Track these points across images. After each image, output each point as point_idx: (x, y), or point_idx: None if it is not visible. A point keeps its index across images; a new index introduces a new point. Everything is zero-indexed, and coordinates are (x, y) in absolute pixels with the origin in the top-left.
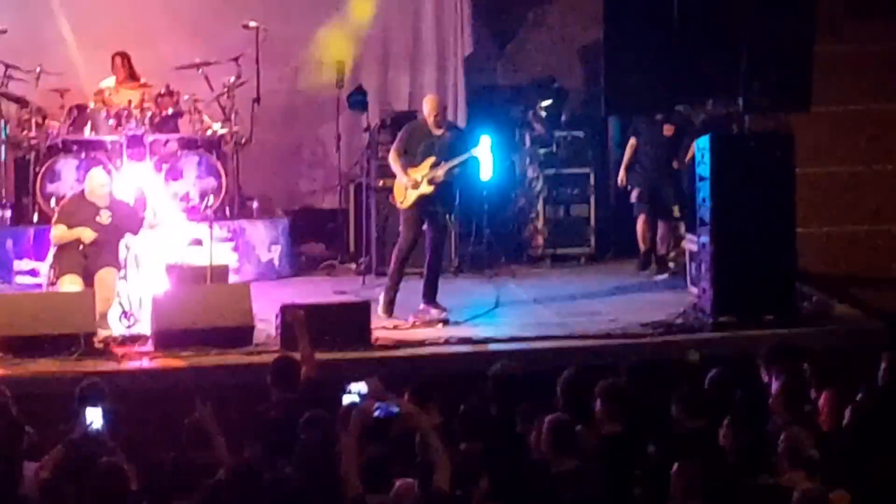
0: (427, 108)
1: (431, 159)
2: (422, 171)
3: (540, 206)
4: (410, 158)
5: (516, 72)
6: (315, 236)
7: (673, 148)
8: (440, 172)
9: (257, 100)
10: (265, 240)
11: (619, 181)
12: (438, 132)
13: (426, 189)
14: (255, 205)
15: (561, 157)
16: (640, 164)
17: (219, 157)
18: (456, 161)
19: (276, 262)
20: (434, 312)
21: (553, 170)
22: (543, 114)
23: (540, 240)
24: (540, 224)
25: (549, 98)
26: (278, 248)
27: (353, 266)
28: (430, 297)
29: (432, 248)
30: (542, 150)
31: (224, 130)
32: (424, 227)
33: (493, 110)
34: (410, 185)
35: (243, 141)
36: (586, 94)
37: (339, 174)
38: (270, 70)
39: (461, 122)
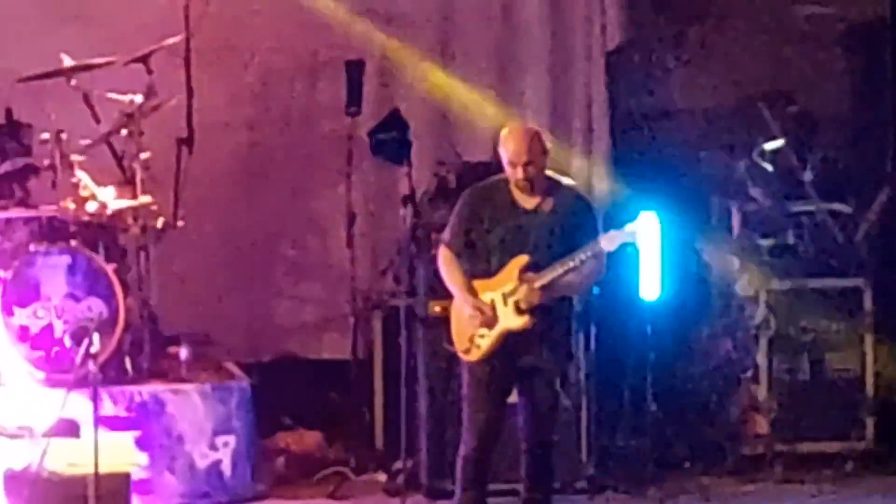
0: (509, 149)
1: (522, 260)
2: (504, 287)
3: (762, 357)
4: (480, 261)
5: (708, 84)
6: (304, 418)
7: None
8: (541, 285)
9: (188, 140)
10: (204, 425)
11: None
12: (532, 202)
13: (514, 322)
14: (184, 354)
15: (805, 255)
16: None
17: (111, 258)
18: (575, 262)
19: (227, 470)
20: None
21: (790, 281)
22: (769, 166)
23: (762, 423)
24: (762, 392)
25: (777, 135)
26: (230, 443)
27: (382, 478)
28: None
29: (533, 439)
30: (765, 241)
31: (122, 204)
32: (513, 398)
33: (665, 161)
34: (481, 316)
35: (162, 225)
36: (855, 124)
37: (353, 291)
38: (216, 81)
39: (601, 184)
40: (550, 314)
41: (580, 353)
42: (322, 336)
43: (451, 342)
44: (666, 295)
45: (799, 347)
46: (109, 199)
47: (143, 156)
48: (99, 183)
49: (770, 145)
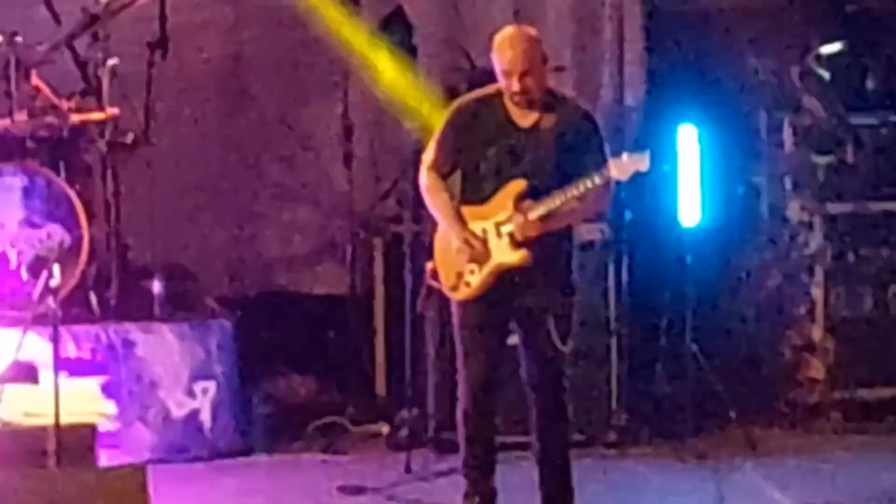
0: (504, 56)
1: (519, 185)
2: (497, 215)
3: (817, 291)
4: (469, 186)
5: None
6: (295, 362)
7: None
8: (538, 216)
9: (161, 44)
10: (181, 370)
11: None
12: (530, 119)
13: (508, 256)
14: (157, 288)
15: (867, 174)
16: None
17: (73, 179)
18: (578, 190)
19: (207, 420)
20: None
21: (849, 204)
22: (826, 73)
23: (817, 367)
24: (817, 331)
25: (837, 36)
26: (210, 390)
27: (384, 429)
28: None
29: (539, 388)
30: (822, 159)
31: (86, 117)
32: (513, 339)
33: (707, 69)
34: (471, 249)
35: (131, 141)
36: None
37: (351, 217)
38: None
39: (634, 97)
40: (549, 247)
41: (610, 288)
42: (315, 268)
43: (435, 277)
44: (708, 220)
45: (860, 280)
46: (70, 110)
47: (110, 62)
48: (59, 93)
49: (827, 49)
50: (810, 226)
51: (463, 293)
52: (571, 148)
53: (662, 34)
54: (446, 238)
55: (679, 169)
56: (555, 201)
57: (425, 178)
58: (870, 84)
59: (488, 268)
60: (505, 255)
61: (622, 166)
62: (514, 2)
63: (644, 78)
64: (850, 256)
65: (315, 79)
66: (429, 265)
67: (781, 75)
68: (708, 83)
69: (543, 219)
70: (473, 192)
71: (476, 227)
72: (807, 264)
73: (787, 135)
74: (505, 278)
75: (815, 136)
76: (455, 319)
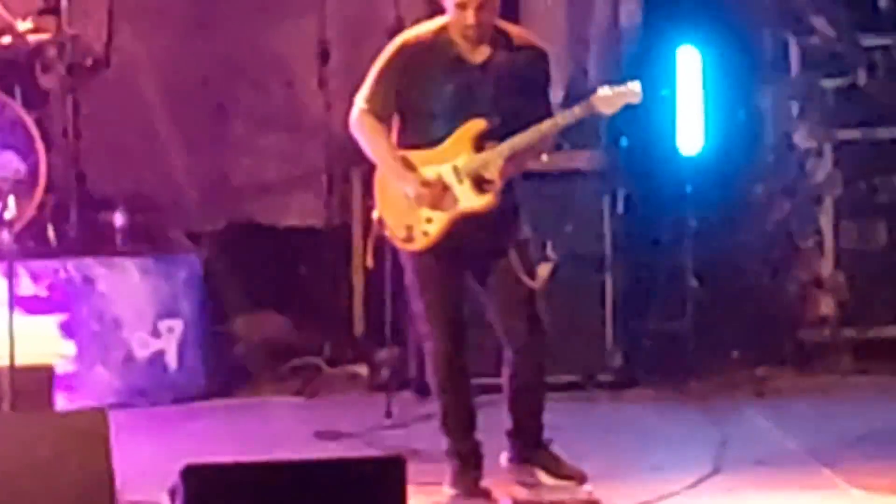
0: None
1: (478, 125)
2: (454, 158)
3: (826, 222)
4: (416, 129)
5: None
6: (267, 299)
7: None
8: (511, 154)
9: None
10: (145, 308)
11: None
12: (481, 55)
13: (474, 201)
14: (119, 220)
15: (880, 99)
16: None
17: (30, 104)
18: (556, 126)
19: (173, 361)
20: (539, 477)
21: (860, 130)
22: None
23: (827, 303)
24: (827, 265)
25: None
26: (176, 329)
27: (363, 370)
28: (524, 442)
29: (510, 335)
30: (830, 82)
31: (43, 37)
32: (469, 282)
33: None
34: (429, 195)
35: (92, 64)
36: None
37: (327, 144)
38: None
39: (630, 16)
40: (504, 186)
41: (604, 220)
42: (289, 198)
43: (381, 224)
44: (709, 147)
45: (872, 211)
46: (26, 28)
47: None
48: (13, 11)
49: None
50: (819, 153)
51: (420, 243)
52: (527, 84)
53: None
54: (391, 186)
55: (678, 94)
56: (529, 138)
57: (361, 120)
58: (882, 2)
59: (451, 214)
60: (471, 200)
61: (609, 100)
62: None
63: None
64: (862, 185)
65: None
66: (374, 215)
67: None
68: (709, 2)
69: (512, 158)
70: (421, 135)
71: (428, 172)
72: (815, 194)
73: (794, 57)
74: (460, 224)
75: (824, 58)
76: (408, 269)
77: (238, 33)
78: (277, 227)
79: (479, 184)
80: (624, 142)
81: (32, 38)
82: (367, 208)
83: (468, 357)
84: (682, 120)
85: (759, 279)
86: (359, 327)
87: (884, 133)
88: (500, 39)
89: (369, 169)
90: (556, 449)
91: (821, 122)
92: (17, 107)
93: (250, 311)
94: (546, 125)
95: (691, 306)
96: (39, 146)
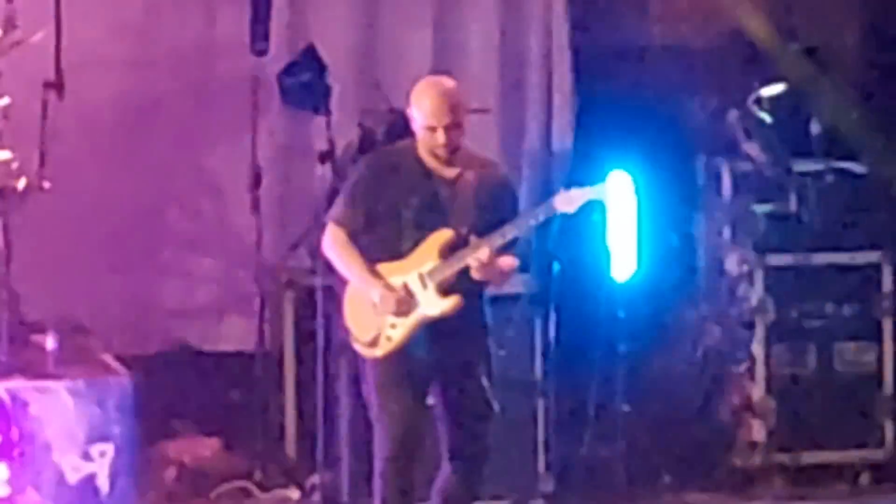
0: (427, 109)
1: (445, 234)
2: (420, 266)
3: (758, 348)
4: (385, 242)
5: (693, 16)
6: (199, 422)
7: None
8: (461, 258)
9: (56, 84)
10: (76, 431)
11: None
12: (451, 172)
13: (438, 305)
14: (51, 343)
15: (811, 225)
16: None
17: None
18: (523, 227)
19: (104, 485)
20: None
21: (792, 256)
22: (767, 117)
23: (758, 429)
24: (758, 390)
25: (776, 79)
26: (107, 453)
27: (294, 494)
28: None
29: (461, 450)
30: (762, 208)
31: None
32: (431, 400)
33: (640, 111)
34: (395, 302)
35: (24, 187)
36: (866, 66)
37: (259, 268)
38: (91, 10)
39: (562, 140)
40: (471, 296)
41: (537, 344)
42: (221, 322)
43: (350, 335)
44: (642, 273)
45: (803, 336)
46: None
47: (2, 102)
48: None
49: (768, 90)
50: (750, 278)
51: (384, 348)
52: (494, 205)
53: (593, 76)
54: (359, 294)
55: (610, 219)
56: (492, 241)
57: (333, 235)
58: (814, 129)
59: (413, 319)
60: (433, 304)
61: (569, 198)
62: (435, 41)
63: (572, 121)
64: (793, 311)
65: (222, 120)
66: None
67: (719, 118)
68: (641, 127)
69: (480, 261)
70: (389, 248)
71: (395, 280)
72: (746, 319)
73: (726, 182)
74: (426, 331)
75: (756, 183)
76: (370, 378)
77: (172, 156)
78: (209, 352)
79: (444, 290)
80: (556, 266)
81: None
82: (299, 331)
83: (417, 476)
84: (613, 245)
85: (691, 404)
86: (290, 451)
87: (816, 259)
88: (470, 161)
89: (303, 292)
90: None
91: (752, 247)
92: None
93: (182, 435)
94: (508, 228)
95: (623, 432)
96: None
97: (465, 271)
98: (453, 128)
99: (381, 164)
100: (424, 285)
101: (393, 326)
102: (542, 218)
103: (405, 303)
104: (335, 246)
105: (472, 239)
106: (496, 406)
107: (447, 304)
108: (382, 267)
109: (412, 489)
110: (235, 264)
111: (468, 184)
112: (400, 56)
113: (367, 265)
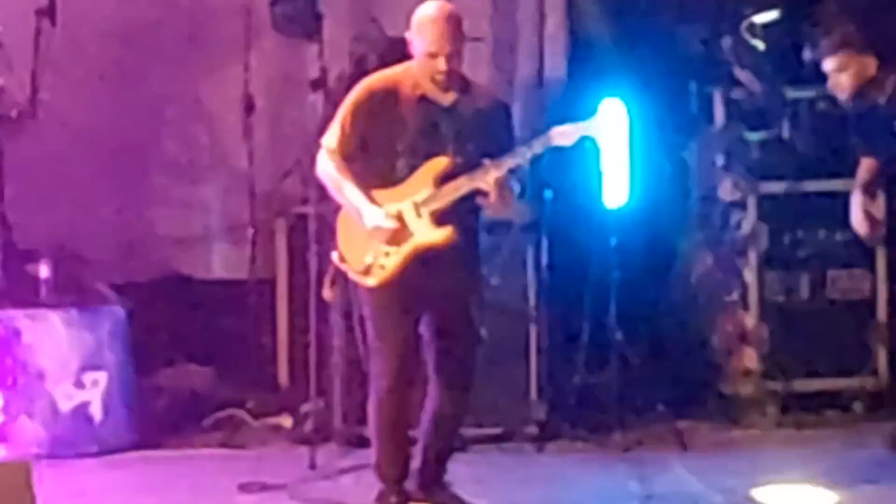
0: (429, 36)
1: (441, 162)
2: (415, 195)
3: (751, 276)
4: (379, 168)
5: None
6: (192, 351)
7: None
8: (457, 191)
9: (48, 10)
10: (69, 359)
11: None
12: (449, 98)
13: (431, 235)
14: (44, 271)
15: (804, 152)
16: None
17: None
18: (525, 157)
19: (97, 413)
20: None
21: (784, 183)
22: (760, 44)
23: (750, 357)
24: (751, 318)
25: (769, 6)
26: (100, 381)
27: (287, 422)
28: (425, 480)
29: (450, 379)
30: (755, 135)
31: None
32: (422, 328)
33: (632, 38)
34: (389, 229)
35: (16, 115)
36: None
37: (251, 196)
38: None
39: (555, 68)
40: (464, 225)
41: (529, 273)
42: (213, 251)
43: (342, 263)
44: (634, 201)
45: (796, 264)
46: None
47: None
48: None
49: (761, 17)
50: (743, 206)
51: (377, 277)
52: (492, 130)
53: (585, 3)
54: (353, 221)
55: (603, 146)
56: (488, 171)
57: (328, 161)
58: (806, 55)
59: (407, 248)
60: (426, 233)
61: (565, 133)
62: None
63: (565, 49)
64: (786, 238)
65: (214, 48)
66: (334, 252)
67: (712, 46)
68: (634, 55)
69: (477, 189)
70: (384, 175)
71: (390, 208)
72: (739, 247)
73: (719, 109)
74: (419, 260)
75: (748, 110)
76: (366, 306)
77: (163, 83)
78: (202, 279)
79: (438, 219)
80: (549, 194)
81: None
82: (292, 260)
83: (414, 402)
84: (606, 173)
85: (684, 332)
86: (283, 379)
87: (808, 186)
88: (467, 87)
89: (295, 220)
90: (458, 491)
91: (745, 175)
92: None
93: (175, 363)
94: (506, 159)
95: (615, 359)
96: None
97: (459, 201)
98: (455, 55)
99: (377, 88)
100: (419, 214)
101: (387, 255)
102: (538, 150)
103: (401, 232)
104: (329, 171)
105: (464, 177)
106: (484, 333)
107: (441, 234)
108: (377, 194)
109: (408, 419)
110: (228, 192)
111: (466, 111)
112: None
113: (364, 189)
